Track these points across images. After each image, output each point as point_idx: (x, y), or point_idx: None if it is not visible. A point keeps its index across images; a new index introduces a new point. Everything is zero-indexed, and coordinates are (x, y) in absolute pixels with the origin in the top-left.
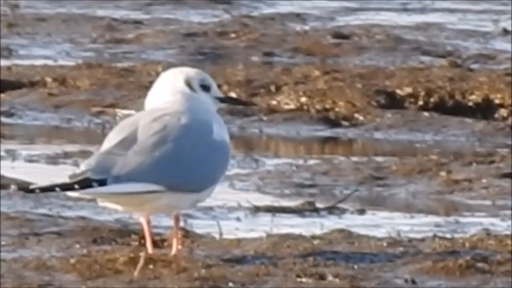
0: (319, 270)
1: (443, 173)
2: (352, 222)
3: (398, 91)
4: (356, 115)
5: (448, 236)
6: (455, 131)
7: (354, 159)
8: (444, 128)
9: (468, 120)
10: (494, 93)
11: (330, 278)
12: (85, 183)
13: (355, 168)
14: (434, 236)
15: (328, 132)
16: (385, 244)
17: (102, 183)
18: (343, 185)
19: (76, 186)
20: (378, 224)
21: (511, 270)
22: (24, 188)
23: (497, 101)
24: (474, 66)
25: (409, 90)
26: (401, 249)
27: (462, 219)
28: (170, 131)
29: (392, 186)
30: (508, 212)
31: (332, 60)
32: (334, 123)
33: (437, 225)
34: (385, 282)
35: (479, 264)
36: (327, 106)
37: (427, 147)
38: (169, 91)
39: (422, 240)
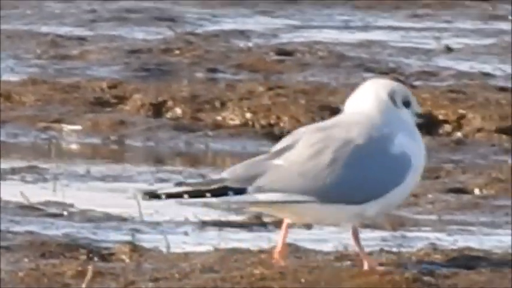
0: (266, 284)
1: None
2: (299, 236)
3: (341, 107)
4: None
5: (395, 250)
6: None
7: None
8: None
9: None
10: (438, 110)
11: None
12: (220, 192)
13: None
14: (381, 250)
15: None
16: (332, 258)
17: (240, 192)
18: None
19: (208, 194)
20: (325, 238)
21: (457, 284)
22: (150, 194)
23: (441, 117)
24: (417, 83)
25: None
26: (348, 263)
27: (409, 234)
28: (331, 142)
29: None
30: (454, 227)
31: (276, 77)
32: (278, 139)
33: (384, 239)
34: None
35: (426, 278)
36: (272, 122)
37: None
38: (370, 99)
39: (370, 254)
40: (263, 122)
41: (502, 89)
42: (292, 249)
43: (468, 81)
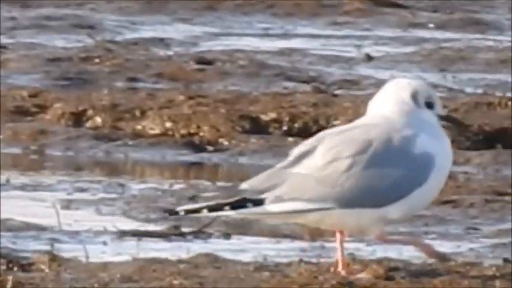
0: None
1: None
2: (219, 246)
3: (262, 116)
4: (220, 140)
5: (314, 260)
6: None
7: (219, 184)
8: None
9: None
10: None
11: None
12: (239, 204)
13: (220, 193)
14: (300, 260)
15: (193, 157)
16: (251, 269)
17: (258, 203)
18: None
19: (226, 207)
20: (244, 249)
21: None
22: (170, 211)
23: None
24: (338, 91)
25: (273, 115)
26: (267, 273)
27: (327, 244)
28: (348, 145)
29: None
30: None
31: (196, 86)
32: (199, 148)
33: (302, 250)
34: None
35: None
36: (192, 131)
37: None
38: (391, 100)
39: (289, 264)
40: (183, 131)
41: None
42: (211, 260)
43: None
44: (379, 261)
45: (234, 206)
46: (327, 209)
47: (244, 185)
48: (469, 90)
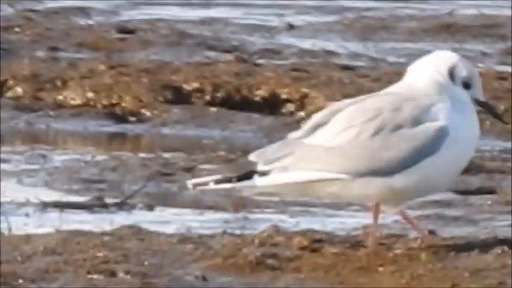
0: (110, 267)
1: None
2: (142, 218)
3: (184, 86)
4: (143, 110)
5: (238, 232)
6: (242, 127)
7: (142, 155)
8: (231, 124)
9: (255, 115)
10: (281, 88)
11: (121, 274)
12: (246, 177)
13: (143, 164)
14: (224, 232)
15: (115, 128)
16: (175, 241)
17: (266, 174)
18: (131, 181)
19: (233, 180)
20: (168, 220)
21: (301, 267)
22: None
23: (284, 96)
24: (260, 61)
25: (195, 85)
26: (191, 245)
27: (251, 216)
28: (359, 113)
29: (181, 182)
30: (297, 208)
31: (117, 55)
32: (121, 119)
33: (226, 221)
34: (176, 279)
35: (269, 261)
36: (114, 101)
37: (214, 142)
38: (427, 69)
39: (212, 236)
40: (105, 101)
41: (345, 68)
42: (135, 231)
43: (311, 60)
44: (303, 233)
45: (242, 178)
46: (334, 179)
47: (252, 157)
48: (391, 59)
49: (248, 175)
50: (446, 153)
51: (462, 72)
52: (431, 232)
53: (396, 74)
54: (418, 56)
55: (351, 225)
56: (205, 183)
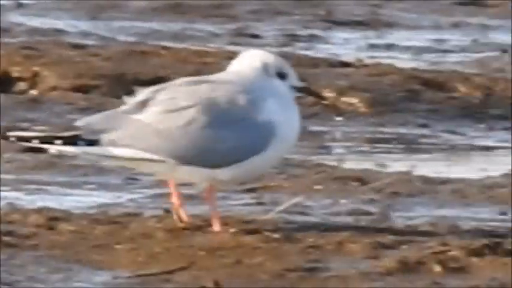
0: None
1: None
2: None
3: None
4: None
5: None
6: None
7: None
8: None
9: None
10: (12, 67)
11: None
12: (71, 140)
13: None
14: None
15: None
16: None
17: (92, 143)
18: None
19: (58, 141)
20: None
21: (38, 244)
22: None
23: (15, 75)
24: None
25: None
26: None
27: None
28: (193, 99)
29: None
30: (32, 186)
31: None
32: None
33: None
34: None
35: (5, 238)
36: None
37: None
38: (245, 65)
39: None
40: None
41: (76, 46)
42: None
43: (41, 38)
44: (39, 211)
45: (67, 141)
46: (161, 161)
47: (79, 122)
48: (121, 38)
49: (74, 139)
50: (271, 152)
51: (273, 64)
52: (168, 211)
53: (128, 52)
54: (148, 36)
55: (87, 204)
56: (29, 140)
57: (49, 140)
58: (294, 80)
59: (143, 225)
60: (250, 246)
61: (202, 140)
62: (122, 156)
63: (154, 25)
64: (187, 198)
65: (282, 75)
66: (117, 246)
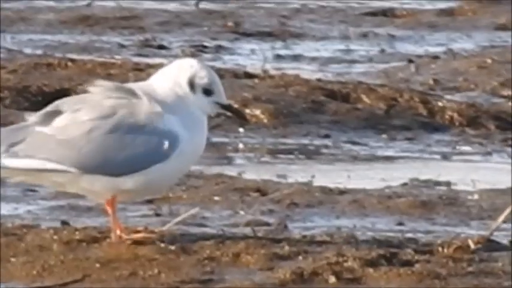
0: None
1: None
2: None
3: None
4: None
5: None
6: None
7: None
8: None
9: None
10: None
11: None
12: None
13: None
14: None
15: None
16: None
17: None
18: None
19: None
20: None
21: None
22: None
23: None
24: None
25: None
26: None
27: None
28: (93, 109)
29: None
30: None
31: None
32: None
33: None
34: None
35: None
36: None
37: None
38: (168, 78)
39: None
40: None
41: None
42: None
43: None
44: None
45: None
46: (62, 170)
47: None
48: (28, 51)
49: None
50: (173, 163)
51: (203, 80)
52: (65, 223)
53: (34, 65)
54: (55, 48)
55: None
56: None
57: None
58: (219, 97)
59: (39, 237)
60: (146, 257)
61: (103, 147)
62: (25, 167)
63: (63, 38)
64: (85, 210)
65: (207, 91)
66: (13, 259)
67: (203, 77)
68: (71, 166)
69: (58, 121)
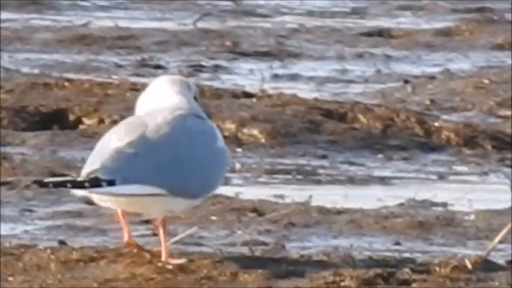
0: None
1: None
2: None
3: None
4: None
5: None
6: None
7: None
8: None
9: None
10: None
11: None
12: (95, 183)
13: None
14: None
15: None
16: None
17: (111, 183)
18: None
19: (86, 184)
20: None
21: None
22: (38, 182)
23: None
24: None
25: None
26: None
27: None
28: (180, 135)
29: None
30: None
31: None
32: None
33: None
34: None
35: None
36: None
37: None
38: (169, 93)
39: None
40: None
41: None
42: None
43: None
44: None
45: (92, 184)
46: (157, 194)
47: (91, 164)
48: (25, 70)
49: (95, 182)
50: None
51: (193, 89)
52: (62, 242)
53: (31, 84)
54: (52, 67)
55: None
56: (64, 185)
57: (79, 185)
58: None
59: (37, 256)
60: (143, 277)
61: (192, 169)
62: (138, 193)
63: (60, 57)
64: (82, 230)
65: (196, 100)
66: (10, 279)
67: (192, 86)
68: (167, 190)
69: (147, 142)
